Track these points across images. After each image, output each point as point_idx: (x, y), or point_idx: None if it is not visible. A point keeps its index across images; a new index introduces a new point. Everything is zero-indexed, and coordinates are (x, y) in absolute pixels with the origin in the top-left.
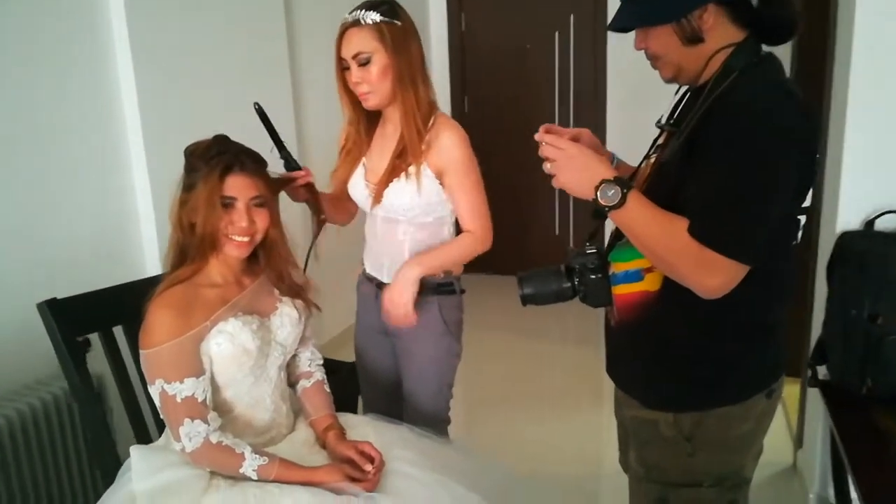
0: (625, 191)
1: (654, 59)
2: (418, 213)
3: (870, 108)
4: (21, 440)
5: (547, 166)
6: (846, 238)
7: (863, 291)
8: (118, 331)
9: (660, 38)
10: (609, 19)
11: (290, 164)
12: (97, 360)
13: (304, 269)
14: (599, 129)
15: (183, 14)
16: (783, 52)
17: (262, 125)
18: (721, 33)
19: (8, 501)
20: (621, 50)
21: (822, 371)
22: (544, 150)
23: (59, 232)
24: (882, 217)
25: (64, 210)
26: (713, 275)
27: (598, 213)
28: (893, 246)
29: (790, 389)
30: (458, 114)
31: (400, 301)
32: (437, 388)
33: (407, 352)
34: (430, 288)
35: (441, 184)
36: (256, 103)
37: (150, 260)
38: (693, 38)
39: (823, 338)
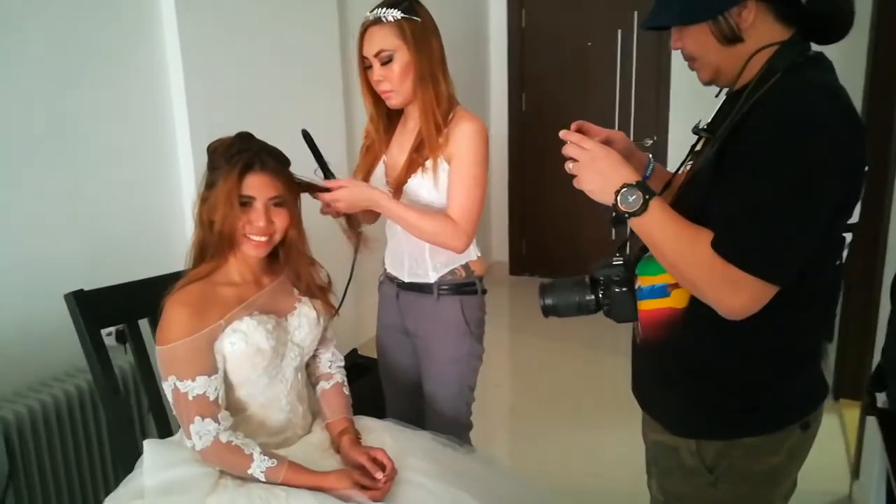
0: (647, 197)
1: (692, 60)
2: (437, 207)
3: None
4: (56, 426)
5: (569, 166)
6: None
7: None
8: (143, 324)
9: (696, 37)
10: None
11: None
12: (119, 352)
13: (346, 288)
14: (661, 133)
15: (232, 17)
16: (857, 55)
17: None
18: (763, 32)
19: (32, 491)
20: None
21: (881, 398)
22: (568, 150)
23: (105, 225)
24: None
25: (109, 204)
26: (736, 294)
27: (618, 219)
28: None
29: (851, 414)
30: (516, 111)
31: (340, 202)
32: (457, 390)
33: (427, 352)
34: (453, 287)
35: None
36: (304, 130)
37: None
38: (732, 38)
39: (882, 363)
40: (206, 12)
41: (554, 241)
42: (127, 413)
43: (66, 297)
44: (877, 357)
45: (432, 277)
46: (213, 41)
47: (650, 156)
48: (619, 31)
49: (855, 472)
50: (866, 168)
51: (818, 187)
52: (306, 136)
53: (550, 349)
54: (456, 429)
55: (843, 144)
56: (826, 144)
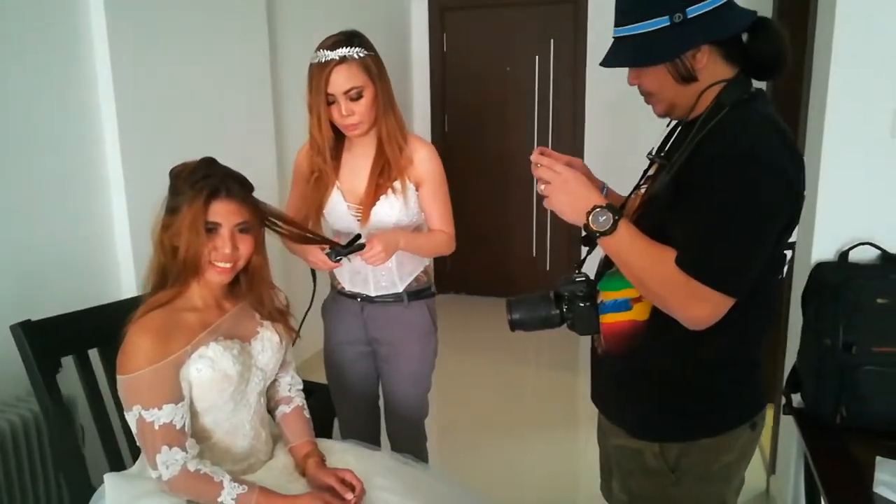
0: (616, 218)
1: (648, 96)
2: (405, 224)
3: (844, 144)
4: None
5: (541, 188)
6: (821, 269)
7: (837, 321)
8: (93, 353)
9: (654, 76)
10: (588, 45)
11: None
12: (67, 382)
13: (302, 321)
14: (577, 154)
15: (163, 31)
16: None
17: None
18: (713, 70)
19: None
20: (600, 76)
21: (795, 399)
22: (540, 172)
23: (33, 251)
24: (856, 248)
25: (38, 229)
26: (699, 306)
27: (589, 238)
28: (867, 277)
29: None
30: (439, 133)
31: (382, 251)
32: (425, 385)
33: (395, 356)
34: (417, 293)
35: (417, 194)
36: (359, 235)
37: (126, 281)
38: (687, 77)
39: (798, 366)
40: (136, 36)
41: (478, 260)
42: (77, 445)
43: (13, 327)
44: (788, 363)
45: (400, 287)
46: (145, 65)
47: (604, 183)
48: (537, 58)
49: (771, 468)
50: (804, 192)
51: (768, 210)
52: (355, 239)
53: (479, 364)
54: (418, 421)
55: (786, 173)
56: (774, 172)
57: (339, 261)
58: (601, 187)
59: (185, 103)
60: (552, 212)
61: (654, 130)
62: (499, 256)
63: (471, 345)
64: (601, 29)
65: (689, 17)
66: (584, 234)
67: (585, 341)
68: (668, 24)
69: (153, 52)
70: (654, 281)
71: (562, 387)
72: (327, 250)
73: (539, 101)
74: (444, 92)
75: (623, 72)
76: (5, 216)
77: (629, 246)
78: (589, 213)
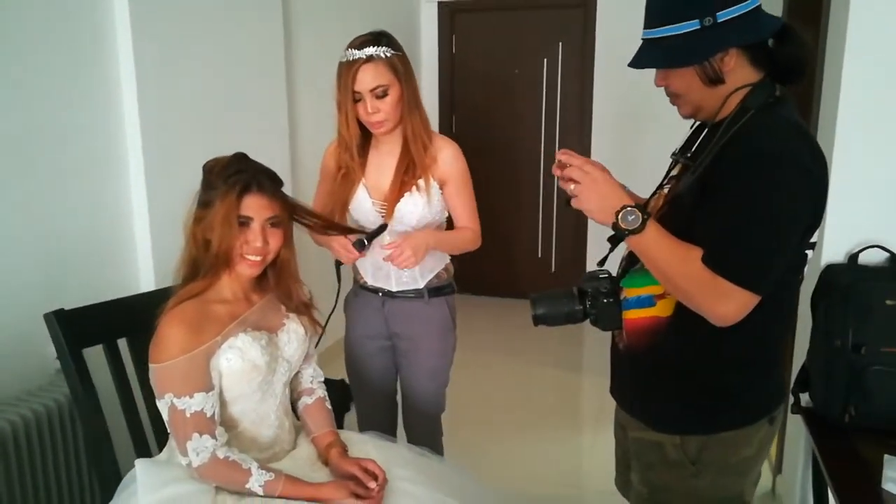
0: (645, 217)
1: (674, 97)
2: (428, 222)
3: (854, 147)
4: (15, 448)
5: (570, 188)
6: (831, 271)
7: (847, 322)
8: (122, 343)
9: (682, 78)
10: (597, 48)
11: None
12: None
13: (329, 318)
14: (584, 155)
15: (185, 25)
16: None
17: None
18: (740, 74)
19: None
20: (608, 79)
21: (804, 399)
22: (571, 172)
23: (54, 241)
24: (865, 251)
25: (59, 219)
26: (725, 303)
27: (617, 236)
28: (876, 279)
29: None
30: (446, 133)
31: (412, 255)
32: (443, 380)
33: (415, 351)
34: (438, 289)
35: (442, 192)
36: (384, 224)
37: (145, 271)
38: (715, 80)
39: (807, 366)
40: (159, 36)
41: (485, 261)
42: (106, 432)
43: (47, 316)
44: (797, 363)
45: (421, 283)
46: (166, 59)
47: (623, 185)
48: (545, 61)
49: (777, 468)
50: (827, 194)
51: (792, 211)
52: (381, 228)
53: (486, 363)
54: (435, 416)
55: (811, 175)
56: (798, 175)
57: (363, 251)
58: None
59: (203, 97)
60: (560, 211)
61: (659, 133)
62: (505, 257)
63: (477, 344)
64: (609, 33)
65: (720, 21)
66: (612, 233)
67: (590, 341)
68: (699, 27)
69: (175, 45)
70: (681, 278)
71: (568, 385)
72: (354, 240)
73: (547, 104)
74: (452, 93)
75: (632, 76)
76: (27, 207)
77: (657, 244)
78: (618, 212)
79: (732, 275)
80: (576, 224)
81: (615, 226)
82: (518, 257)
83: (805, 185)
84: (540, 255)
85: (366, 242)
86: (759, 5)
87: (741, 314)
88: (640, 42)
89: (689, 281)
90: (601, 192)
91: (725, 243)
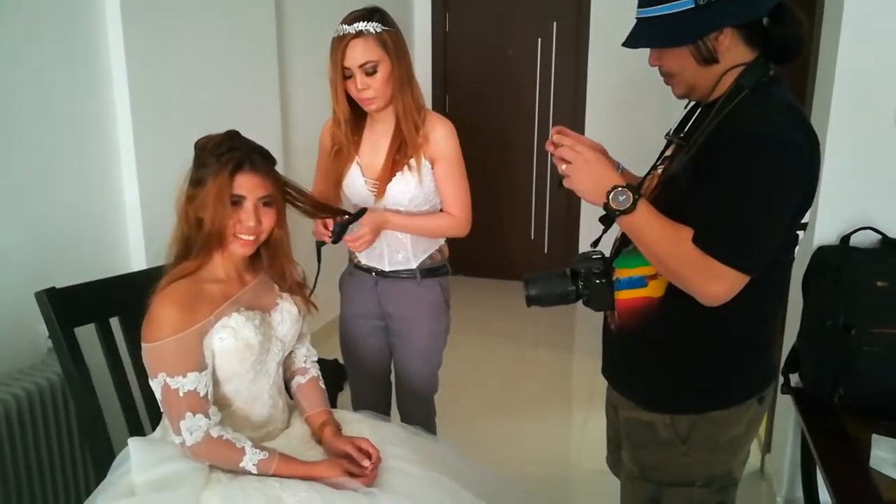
0: (636, 197)
1: (668, 77)
2: (420, 202)
3: (848, 130)
4: (8, 428)
5: (562, 167)
6: (823, 252)
7: (838, 303)
8: (114, 322)
9: (676, 57)
10: (591, 28)
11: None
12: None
13: (310, 295)
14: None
15: (176, 6)
16: None
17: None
18: (734, 53)
19: None
20: (602, 59)
21: (794, 379)
22: (562, 152)
23: (46, 224)
24: (857, 232)
25: (50, 201)
26: (715, 283)
27: (608, 216)
28: (867, 260)
29: None
30: (440, 112)
31: (368, 234)
32: (436, 361)
33: (408, 331)
34: (431, 270)
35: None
36: (363, 209)
37: (136, 252)
38: (709, 59)
39: (797, 347)
40: (150, 18)
41: (477, 242)
42: (100, 411)
43: (38, 294)
44: (787, 344)
45: (413, 264)
46: (156, 40)
47: (619, 162)
48: (539, 40)
49: (767, 447)
50: (820, 174)
51: (784, 191)
52: (360, 213)
53: (478, 343)
54: (429, 396)
55: (803, 155)
56: (791, 156)
57: (337, 242)
58: (617, 167)
59: (194, 79)
60: (552, 192)
61: (653, 113)
62: (498, 239)
63: (469, 325)
64: (604, 12)
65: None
66: (604, 212)
67: (582, 322)
68: (693, 6)
69: (164, 26)
70: (672, 258)
71: (559, 365)
72: (336, 223)
73: (541, 84)
74: (445, 73)
75: (626, 56)
76: (18, 190)
77: (648, 224)
78: (609, 192)
79: (722, 255)
80: (568, 205)
81: (606, 206)
82: (511, 239)
83: (796, 164)
84: (533, 237)
85: (340, 235)
86: None
87: (731, 294)
88: (634, 21)
89: (680, 261)
90: (593, 172)
91: (716, 223)
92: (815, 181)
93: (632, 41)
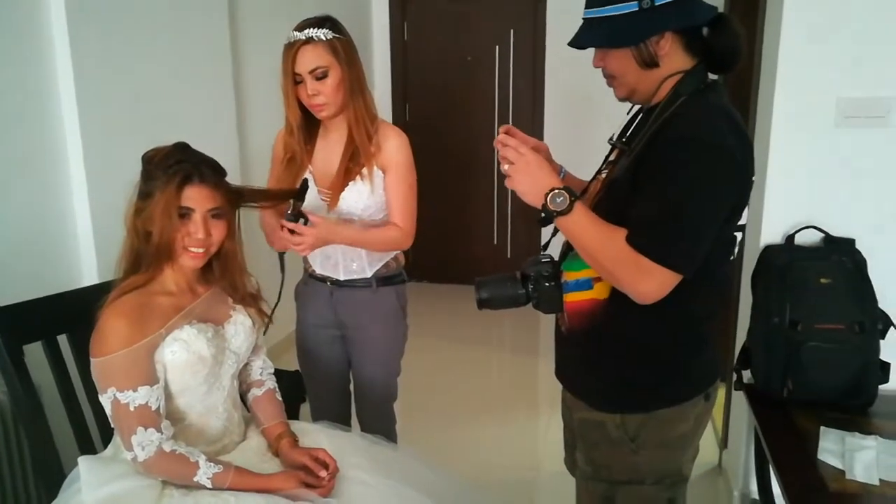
0: (572, 199)
1: (610, 79)
2: (373, 211)
3: (792, 133)
4: None
5: (505, 167)
6: (769, 251)
7: (784, 300)
8: (62, 339)
9: (618, 59)
10: (547, 36)
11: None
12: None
13: (276, 306)
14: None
15: (125, 10)
16: None
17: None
18: (674, 60)
19: None
20: (558, 67)
21: (746, 375)
22: (506, 153)
23: None
24: (801, 232)
25: None
26: (646, 280)
27: (546, 218)
28: (811, 258)
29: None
30: (400, 122)
31: (311, 240)
32: (394, 369)
33: (365, 340)
34: (387, 279)
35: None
36: (305, 180)
37: (87, 266)
38: (649, 63)
39: (748, 344)
40: (98, 23)
41: (441, 248)
42: (48, 432)
43: None
44: (739, 341)
45: (369, 272)
46: (104, 46)
47: (562, 166)
48: (497, 48)
49: (724, 442)
50: (753, 177)
51: (715, 194)
52: (303, 188)
53: (441, 349)
54: (387, 402)
55: (735, 159)
56: (722, 159)
57: (294, 219)
58: (559, 170)
59: (146, 87)
60: (515, 197)
61: (608, 118)
62: (461, 244)
63: (433, 331)
64: (560, 19)
65: (657, 4)
66: (542, 214)
67: (545, 326)
68: (637, 9)
69: (114, 34)
70: (606, 258)
71: (523, 369)
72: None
73: (499, 90)
74: (405, 81)
75: (581, 63)
76: None
77: (583, 225)
78: (547, 194)
79: (653, 253)
80: (529, 210)
81: (544, 207)
82: (474, 244)
83: (727, 167)
84: (496, 242)
85: (299, 213)
86: None
87: (662, 292)
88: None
89: (612, 260)
90: (533, 173)
91: (647, 222)
92: (748, 184)
93: (577, 40)
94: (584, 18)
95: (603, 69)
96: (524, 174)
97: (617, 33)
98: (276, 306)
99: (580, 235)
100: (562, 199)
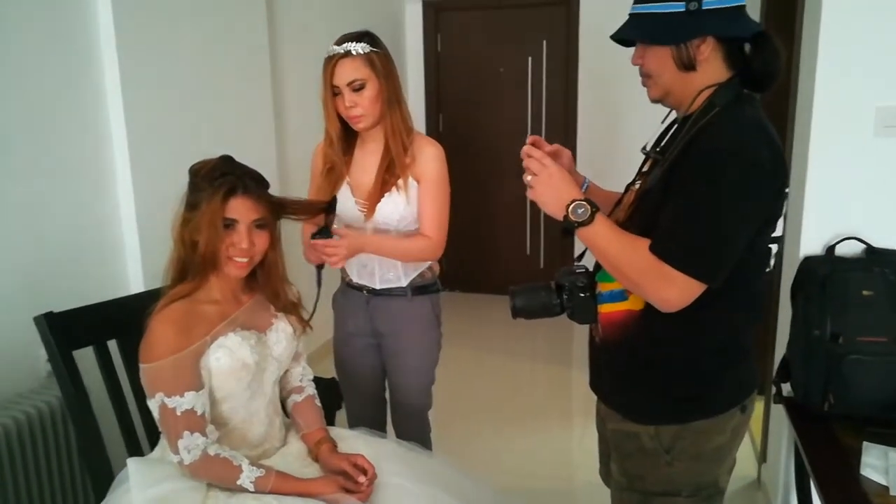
0: (593, 210)
1: (647, 77)
2: (409, 221)
3: (831, 143)
4: (8, 452)
5: (527, 178)
6: (809, 262)
7: (825, 313)
8: (111, 345)
9: (657, 57)
10: (580, 45)
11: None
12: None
13: (310, 318)
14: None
15: (170, 26)
16: None
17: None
18: (712, 67)
19: None
20: (591, 76)
21: (785, 388)
22: (530, 164)
23: (41, 245)
24: (842, 243)
25: (46, 222)
26: (668, 287)
27: (568, 229)
28: (853, 270)
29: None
30: (433, 132)
31: (344, 251)
32: (429, 377)
33: (399, 348)
34: (422, 288)
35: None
36: (334, 197)
37: (133, 273)
38: (687, 65)
39: (787, 357)
40: (144, 38)
41: (473, 258)
42: (98, 433)
43: (37, 318)
44: (778, 354)
45: (404, 281)
46: (151, 60)
47: (585, 177)
48: (530, 59)
49: (762, 457)
50: (787, 190)
51: (745, 206)
52: (332, 204)
53: (475, 358)
54: (422, 411)
55: (767, 171)
56: (754, 171)
57: (321, 236)
58: (582, 181)
59: (189, 99)
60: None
61: (641, 129)
62: (493, 254)
63: (467, 341)
64: (593, 29)
65: (704, 7)
66: (564, 225)
67: (579, 336)
68: (684, 9)
69: (159, 46)
70: (629, 267)
71: (557, 379)
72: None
73: (532, 101)
74: (438, 92)
75: (614, 74)
76: (13, 210)
77: (604, 236)
78: (568, 205)
79: (675, 260)
80: (560, 221)
81: (566, 218)
82: (506, 254)
83: (759, 180)
84: (528, 252)
85: (328, 228)
86: (745, 6)
87: (685, 300)
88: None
89: (635, 268)
90: (555, 185)
91: (673, 231)
92: (780, 195)
93: (620, 33)
94: (630, 13)
95: (640, 67)
96: (546, 186)
97: (659, 30)
98: (311, 317)
99: (602, 246)
100: (583, 210)
